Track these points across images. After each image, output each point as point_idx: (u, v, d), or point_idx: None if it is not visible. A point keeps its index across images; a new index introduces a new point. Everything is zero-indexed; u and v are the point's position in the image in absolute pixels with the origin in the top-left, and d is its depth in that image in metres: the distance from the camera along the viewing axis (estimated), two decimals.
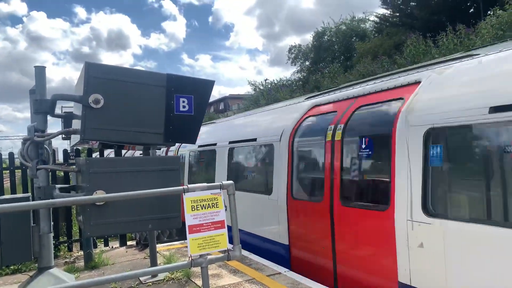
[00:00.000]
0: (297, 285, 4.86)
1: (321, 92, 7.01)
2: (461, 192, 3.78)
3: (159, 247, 7.00)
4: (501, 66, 3.72)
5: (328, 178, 5.22)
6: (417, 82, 4.43)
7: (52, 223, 4.89)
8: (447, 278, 3.60)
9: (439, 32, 16.93)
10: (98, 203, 4.11)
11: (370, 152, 4.77)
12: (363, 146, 4.85)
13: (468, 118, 3.49)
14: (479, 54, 4.20)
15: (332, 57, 34.29)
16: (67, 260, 6.67)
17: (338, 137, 5.17)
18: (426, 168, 3.85)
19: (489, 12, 16.09)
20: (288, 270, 5.47)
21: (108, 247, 7.58)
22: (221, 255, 4.20)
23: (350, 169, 5.01)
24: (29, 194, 5.82)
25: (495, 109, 3.31)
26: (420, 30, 20.49)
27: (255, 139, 7.12)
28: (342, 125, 5.15)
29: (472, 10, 24.00)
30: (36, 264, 4.79)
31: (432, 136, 3.84)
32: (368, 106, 5.00)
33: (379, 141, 4.61)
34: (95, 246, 7.29)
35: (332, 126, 5.34)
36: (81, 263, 6.30)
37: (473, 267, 3.39)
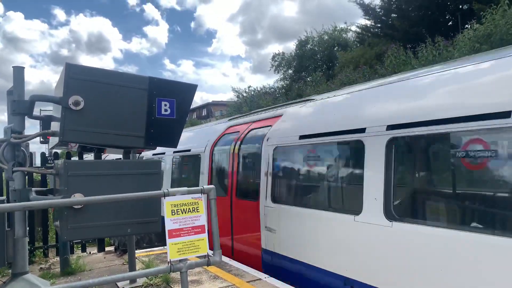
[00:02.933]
0: None
1: (241, 115, 9.14)
2: (286, 185, 5.90)
3: (138, 253, 6.89)
4: (307, 112, 5.95)
5: (230, 179, 7.21)
6: (280, 115, 6.48)
7: (27, 228, 4.76)
8: None
9: (419, 43, 17.33)
10: (76, 206, 4.01)
11: (252, 162, 6.71)
12: (248, 157, 6.93)
13: (289, 142, 5.67)
14: (314, 99, 6.26)
15: (315, 65, 34.67)
16: (43, 266, 6.49)
17: (236, 150, 7.18)
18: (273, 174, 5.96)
19: (466, 25, 16.57)
20: (268, 276, 5.46)
21: (85, 253, 7.43)
22: (201, 260, 4.17)
23: (241, 173, 7.03)
24: (4, 197, 5.66)
25: (301, 137, 5.40)
26: (401, 41, 20.93)
27: (189, 150, 9.06)
28: (239, 142, 7.17)
29: (450, 23, 24.65)
30: (10, 270, 4.65)
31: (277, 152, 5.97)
32: (255, 129, 7.00)
33: (257, 155, 6.43)
34: (72, 252, 7.13)
35: (234, 143, 7.33)
36: (57, 269, 6.15)
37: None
